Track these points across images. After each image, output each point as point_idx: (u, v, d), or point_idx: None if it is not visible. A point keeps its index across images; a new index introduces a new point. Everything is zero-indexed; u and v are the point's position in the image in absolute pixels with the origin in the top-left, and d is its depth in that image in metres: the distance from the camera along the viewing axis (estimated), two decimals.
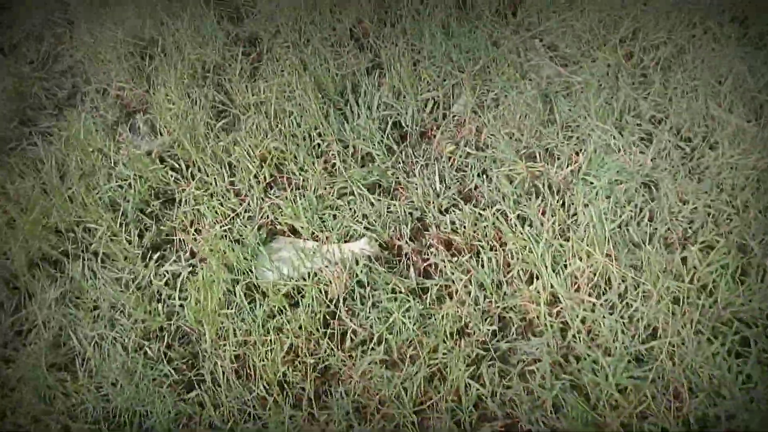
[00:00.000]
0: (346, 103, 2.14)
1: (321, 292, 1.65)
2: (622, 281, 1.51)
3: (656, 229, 1.64)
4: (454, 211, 1.79)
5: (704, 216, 1.62)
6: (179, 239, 1.88)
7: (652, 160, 1.69)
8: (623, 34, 2.05)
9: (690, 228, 1.62)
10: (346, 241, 1.80)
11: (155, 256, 1.83)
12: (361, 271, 1.66)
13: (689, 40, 1.97)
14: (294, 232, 1.86)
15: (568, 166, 1.77)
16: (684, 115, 1.83)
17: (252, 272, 1.73)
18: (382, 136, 2.01)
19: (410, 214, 1.82)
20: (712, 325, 1.44)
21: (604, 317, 1.49)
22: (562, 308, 1.53)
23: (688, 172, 1.72)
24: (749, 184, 1.67)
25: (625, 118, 1.84)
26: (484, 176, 1.86)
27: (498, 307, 1.58)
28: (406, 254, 1.75)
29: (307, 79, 2.18)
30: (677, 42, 1.98)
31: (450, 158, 1.93)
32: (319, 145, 2.03)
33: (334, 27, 2.41)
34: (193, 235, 1.86)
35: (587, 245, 1.57)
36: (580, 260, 1.55)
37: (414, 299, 1.60)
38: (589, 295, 1.52)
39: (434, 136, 2.01)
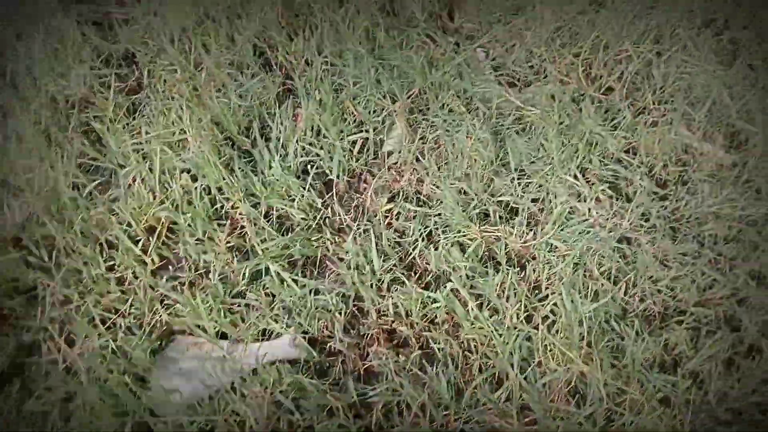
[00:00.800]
0: (253, 145, 1.72)
1: (236, 425, 1.30)
2: (605, 385, 1.25)
3: (630, 299, 1.38)
4: (395, 289, 1.46)
5: (688, 282, 1.37)
6: (47, 360, 1.44)
7: (628, 221, 1.41)
8: (580, 48, 1.72)
9: (671, 298, 1.38)
10: (264, 339, 1.44)
11: (17, 386, 1.40)
12: (286, 389, 1.32)
13: (657, 54, 1.68)
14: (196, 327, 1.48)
15: (527, 227, 1.47)
16: (656, 149, 1.55)
17: (143, 400, 1.35)
18: (301, 189, 1.62)
19: (343, 296, 1.47)
20: (706, 428, 1.21)
21: (583, 427, 1.23)
22: (535, 419, 1.26)
23: (665, 225, 1.46)
24: (732, 235, 1.44)
25: (588, 157, 1.55)
26: (427, 240, 1.53)
27: (459, 420, 1.29)
28: (340, 351, 1.42)
29: (202, 117, 1.73)
30: (644, 56, 1.67)
31: (386, 218, 1.58)
32: (222, 206, 1.62)
33: (232, 38, 1.94)
34: (64, 351, 1.43)
35: (559, 338, 1.29)
36: (553, 359, 1.28)
37: (354, 422, 1.28)
38: (567, 402, 1.25)
39: (366, 187, 1.65)
